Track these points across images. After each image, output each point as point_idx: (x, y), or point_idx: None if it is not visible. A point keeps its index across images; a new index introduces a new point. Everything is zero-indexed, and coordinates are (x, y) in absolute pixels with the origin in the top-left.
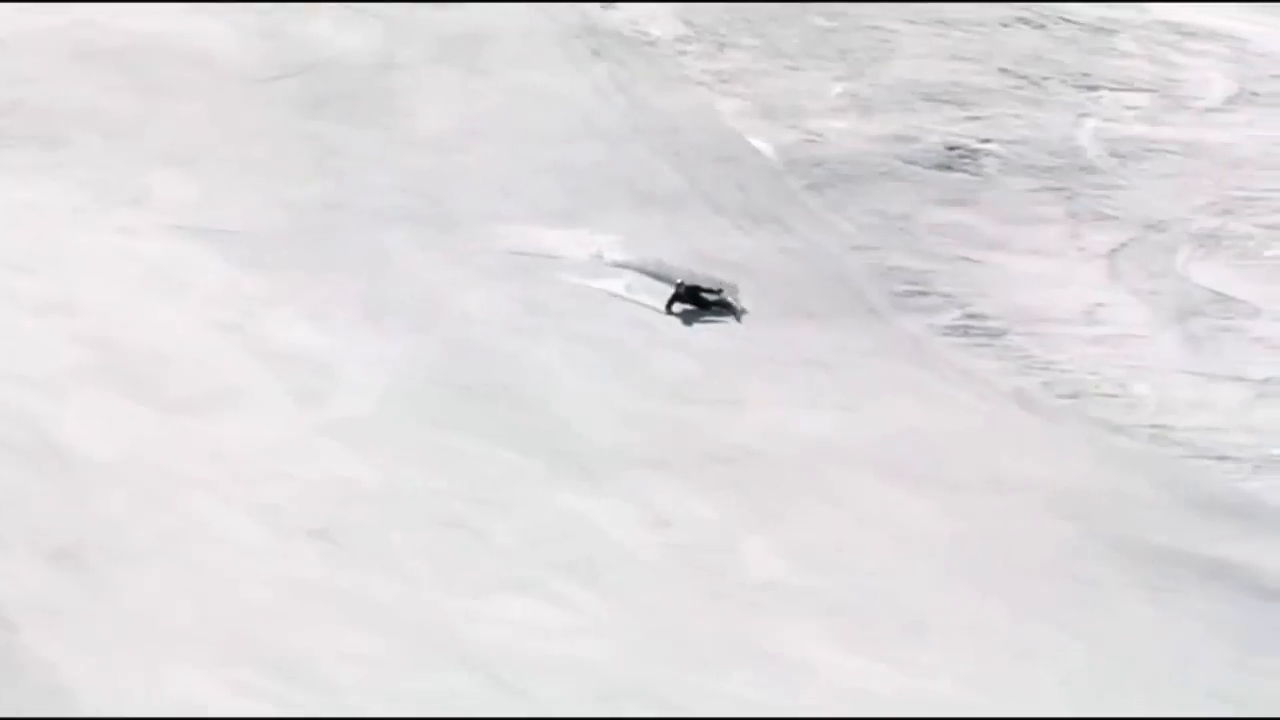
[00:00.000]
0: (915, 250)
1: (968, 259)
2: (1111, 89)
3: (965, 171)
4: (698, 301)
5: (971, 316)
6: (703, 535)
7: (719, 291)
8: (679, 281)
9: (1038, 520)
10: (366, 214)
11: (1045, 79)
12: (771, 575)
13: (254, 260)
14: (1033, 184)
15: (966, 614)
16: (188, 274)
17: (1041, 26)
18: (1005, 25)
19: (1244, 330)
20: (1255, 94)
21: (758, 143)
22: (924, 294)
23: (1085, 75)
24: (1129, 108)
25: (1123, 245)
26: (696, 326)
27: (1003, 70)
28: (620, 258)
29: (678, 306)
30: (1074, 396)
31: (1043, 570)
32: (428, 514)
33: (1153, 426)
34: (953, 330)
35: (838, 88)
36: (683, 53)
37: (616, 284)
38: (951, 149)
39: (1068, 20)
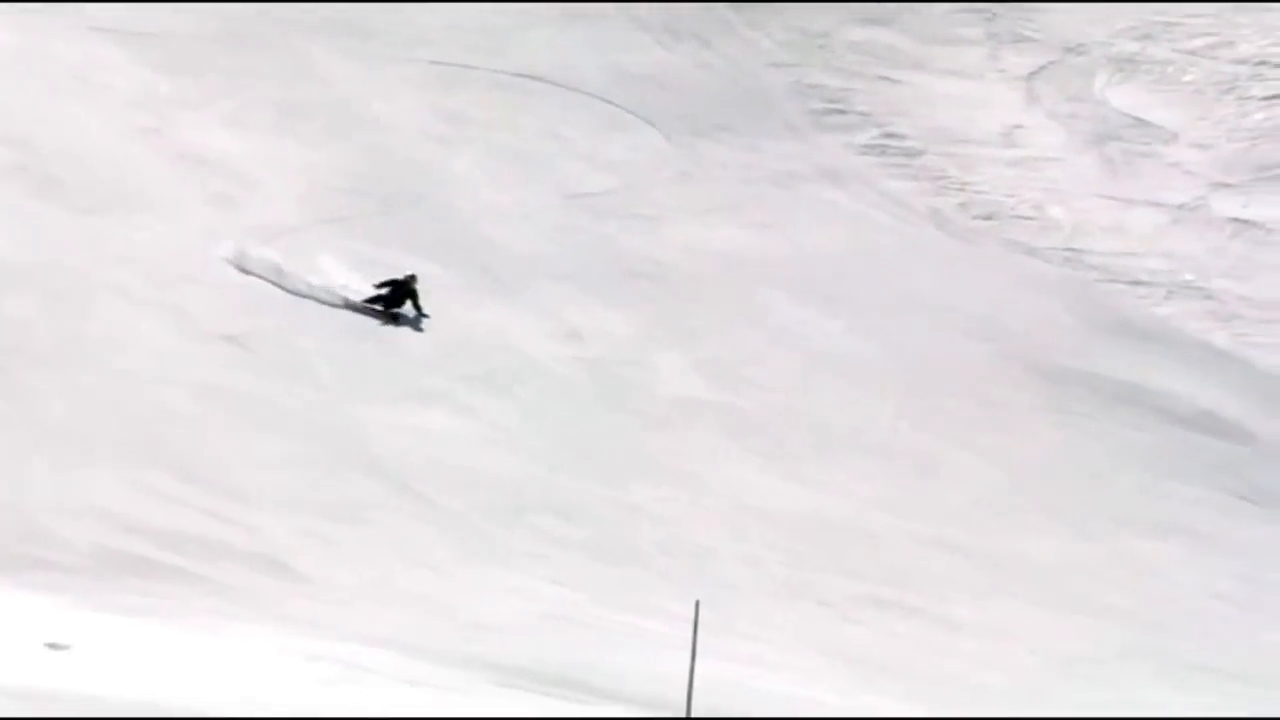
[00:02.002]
0: (834, 68)
1: (887, 78)
2: None
3: None
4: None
5: (889, 136)
6: (616, 349)
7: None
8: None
9: (950, 342)
10: (286, 20)
11: None
12: (682, 391)
13: (172, 64)
14: (952, 4)
15: (876, 434)
16: (104, 76)
17: None
18: None
19: (1161, 155)
20: None
21: None
22: (842, 112)
23: None
24: None
25: (1042, 68)
26: (610, 141)
27: None
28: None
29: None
30: (990, 218)
31: (954, 392)
32: (340, 322)
33: (1067, 250)
34: (870, 149)
35: None
36: None
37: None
38: None
39: None
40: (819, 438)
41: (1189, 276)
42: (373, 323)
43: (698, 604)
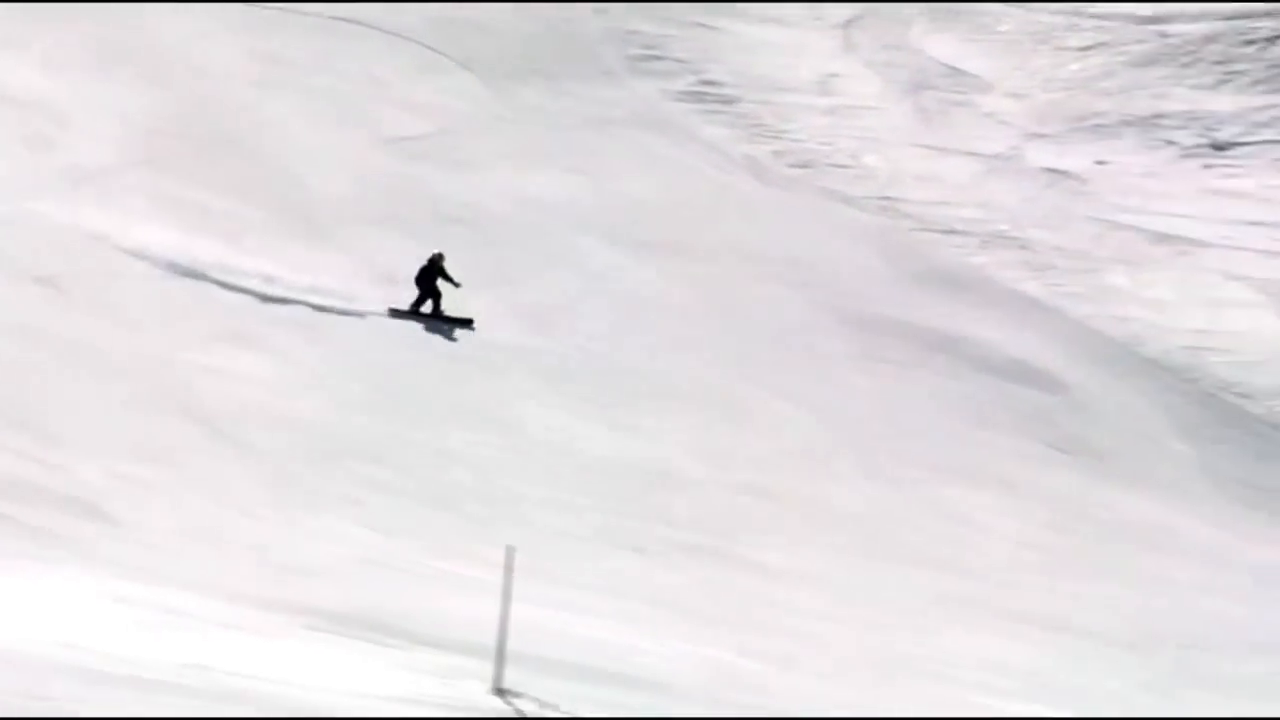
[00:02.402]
0: (652, 14)
1: (703, 25)
2: None
3: None
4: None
5: (706, 83)
6: None
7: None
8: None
9: (766, 289)
10: None
11: None
12: (497, 336)
13: None
14: None
15: (690, 379)
16: None
17: None
18: None
19: (976, 105)
20: None
21: None
22: (659, 58)
23: None
24: None
25: (858, 16)
26: (427, 85)
27: None
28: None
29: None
30: (805, 166)
31: (769, 339)
32: (153, 264)
33: (882, 198)
34: (686, 96)
35: None
36: None
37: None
38: None
39: None
40: (633, 384)
41: (1003, 226)
42: (183, 264)
43: (510, 549)
